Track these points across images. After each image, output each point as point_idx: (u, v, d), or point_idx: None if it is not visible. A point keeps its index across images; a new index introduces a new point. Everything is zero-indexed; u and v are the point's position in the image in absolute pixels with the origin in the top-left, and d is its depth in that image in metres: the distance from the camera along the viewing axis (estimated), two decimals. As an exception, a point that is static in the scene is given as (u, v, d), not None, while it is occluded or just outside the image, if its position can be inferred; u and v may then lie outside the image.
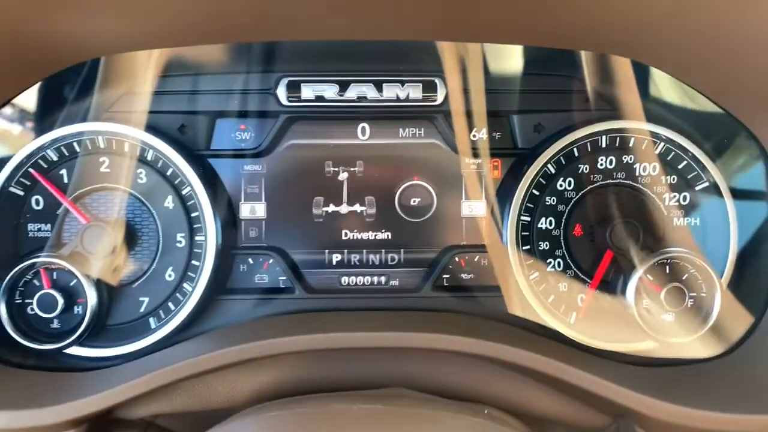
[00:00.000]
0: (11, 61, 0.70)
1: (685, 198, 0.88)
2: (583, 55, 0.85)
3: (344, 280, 0.92)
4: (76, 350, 0.85)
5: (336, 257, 0.92)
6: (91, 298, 0.84)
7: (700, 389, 0.77)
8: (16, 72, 0.72)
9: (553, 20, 0.67)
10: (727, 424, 0.71)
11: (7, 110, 0.83)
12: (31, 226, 0.87)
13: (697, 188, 0.88)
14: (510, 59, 0.88)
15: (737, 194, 0.87)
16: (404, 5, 0.64)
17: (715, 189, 0.88)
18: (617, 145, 0.88)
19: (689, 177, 0.88)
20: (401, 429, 0.60)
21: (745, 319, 0.85)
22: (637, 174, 0.89)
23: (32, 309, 0.86)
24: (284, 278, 0.91)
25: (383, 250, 0.92)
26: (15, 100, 0.82)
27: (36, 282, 0.86)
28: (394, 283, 0.92)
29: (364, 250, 0.92)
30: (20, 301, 0.86)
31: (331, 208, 0.91)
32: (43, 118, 0.86)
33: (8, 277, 0.84)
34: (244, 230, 0.91)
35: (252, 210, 0.91)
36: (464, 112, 0.89)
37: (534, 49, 0.85)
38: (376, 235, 0.92)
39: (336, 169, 0.91)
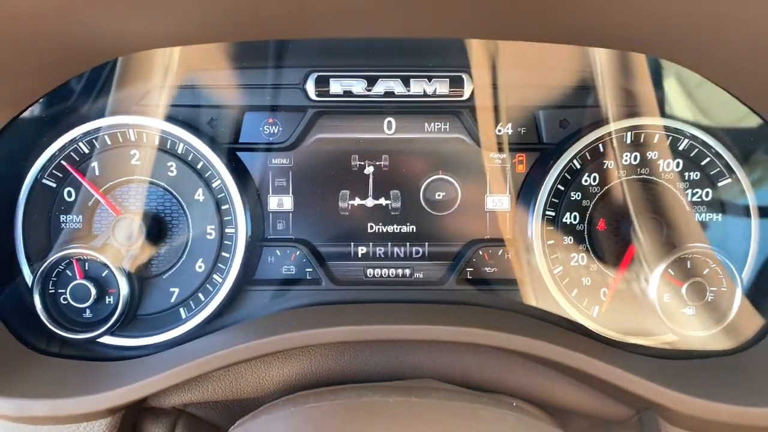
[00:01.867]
0: (48, 59, 0.70)
1: (707, 194, 0.89)
2: (608, 52, 0.85)
3: (369, 272, 0.93)
4: (108, 339, 0.87)
5: (361, 250, 0.93)
6: (123, 288, 0.86)
7: (719, 383, 0.78)
8: (54, 69, 0.73)
9: (582, 19, 0.67)
10: (745, 417, 0.73)
11: (42, 104, 0.84)
12: (63, 218, 0.89)
13: (720, 185, 0.89)
14: (537, 55, 0.89)
15: (760, 192, 0.88)
16: (433, 5, 0.65)
17: (737, 186, 0.89)
18: (642, 141, 0.89)
19: (712, 174, 0.89)
20: (439, 422, 0.61)
21: (759, 316, 0.87)
22: (660, 170, 0.89)
23: (65, 299, 0.87)
24: (310, 270, 0.92)
25: (408, 243, 0.93)
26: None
27: (69, 272, 0.88)
28: (419, 275, 0.93)
29: (389, 243, 0.93)
30: (53, 291, 0.87)
31: (357, 201, 0.93)
32: (75, 111, 0.87)
33: (42, 268, 0.85)
34: (271, 223, 0.92)
35: (279, 203, 0.92)
36: (490, 107, 0.90)
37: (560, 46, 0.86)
38: (401, 229, 0.93)
39: (362, 162, 0.92)
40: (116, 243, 0.86)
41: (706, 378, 0.81)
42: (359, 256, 0.93)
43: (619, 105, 0.88)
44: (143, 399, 0.78)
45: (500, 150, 0.91)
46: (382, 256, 0.93)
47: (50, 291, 0.86)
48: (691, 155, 0.89)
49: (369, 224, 0.93)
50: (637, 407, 0.78)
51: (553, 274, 0.89)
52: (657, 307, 0.86)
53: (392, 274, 0.94)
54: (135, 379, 0.77)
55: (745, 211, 0.89)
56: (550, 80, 0.89)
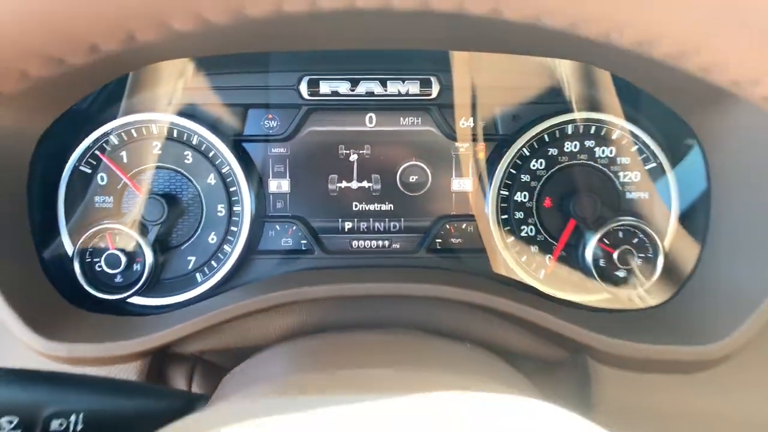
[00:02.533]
0: (92, 71, 0.86)
1: (636, 176, 1.06)
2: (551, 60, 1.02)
3: (354, 243, 1.10)
4: (136, 300, 1.03)
5: (348, 224, 1.10)
6: (149, 257, 1.02)
7: (639, 328, 0.95)
8: (95, 78, 0.89)
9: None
10: (659, 353, 0.90)
11: (81, 104, 1.00)
12: (97, 199, 1.04)
13: (647, 168, 1.06)
14: (494, 62, 1.05)
15: (678, 174, 1.05)
16: (411, 26, 0.81)
17: (660, 169, 1.06)
18: (581, 132, 1.05)
19: (640, 159, 1.06)
20: (419, 351, 0.78)
21: (681, 275, 1.04)
22: (596, 156, 1.05)
23: (100, 266, 1.03)
24: (305, 242, 1.08)
25: (387, 219, 1.09)
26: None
27: (102, 244, 1.04)
28: (396, 246, 1.10)
29: (371, 219, 1.09)
30: (90, 260, 1.04)
31: (344, 184, 1.09)
32: (107, 109, 1.03)
33: (81, 240, 1.02)
34: (272, 202, 1.09)
35: (278, 185, 1.09)
36: (456, 105, 1.07)
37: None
38: (380, 207, 1.09)
39: (348, 151, 1.08)
40: (142, 219, 1.02)
41: (629, 325, 0.97)
42: (346, 230, 1.10)
43: (561, 102, 1.05)
44: (167, 346, 0.95)
45: (464, 140, 1.08)
46: (365, 230, 1.10)
47: (87, 260, 1.03)
48: (623, 143, 1.05)
49: (354, 203, 1.09)
50: (569, 349, 0.95)
51: (506, 243, 1.06)
52: (593, 270, 1.03)
53: (373, 245, 1.10)
54: (161, 329, 0.94)
55: (667, 190, 1.06)
56: (505, 82, 1.05)
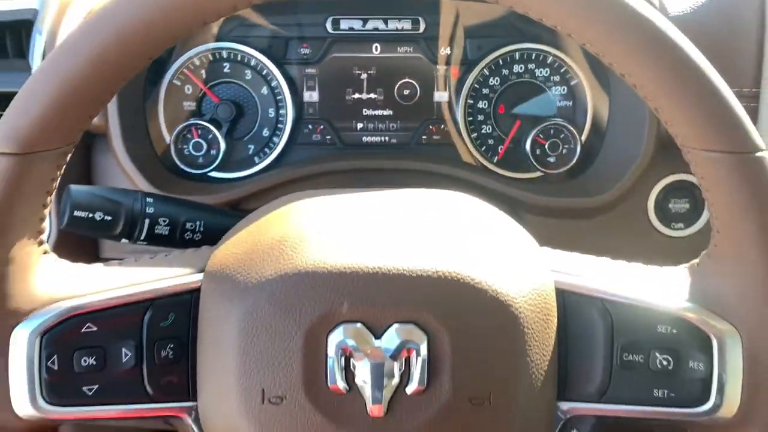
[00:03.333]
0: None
1: (563, 89, 1.48)
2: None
3: (364, 138, 1.46)
4: (214, 174, 1.45)
5: (359, 125, 1.49)
6: (222, 145, 1.42)
7: (559, 189, 1.40)
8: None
9: None
10: (570, 203, 1.33)
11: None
12: (185, 103, 1.47)
13: (571, 84, 1.49)
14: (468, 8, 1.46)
15: (592, 88, 1.48)
16: None
17: (581, 85, 1.48)
18: (525, 58, 1.44)
19: (566, 77, 1.48)
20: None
21: (593, 157, 1.47)
22: (536, 75, 1.45)
23: (188, 151, 1.44)
24: (329, 137, 1.46)
25: (387, 121, 1.47)
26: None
27: (188, 135, 1.48)
28: (393, 141, 1.46)
29: (376, 121, 1.46)
30: (181, 146, 1.48)
31: (356, 95, 1.48)
32: (190, 41, 1.45)
33: (175, 132, 1.45)
34: (305, 108, 1.50)
35: (311, 96, 1.47)
36: (437, 36, 1.49)
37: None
38: (383, 112, 1.49)
39: (360, 71, 1.46)
40: (217, 117, 1.46)
41: (551, 187, 1.41)
42: (359, 128, 1.49)
43: (512, 35, 1.47)
44: (239, 201, 1.40)
45: (442, 64, 1.49)
46: (372, 128, 1.50)
47: (179, 147, 1.47)
48: (555, 66, 1.47)
49: (364, 109, 1.47)
50: (508, 205, 1.40)
51: (471, 138, 1.46)
52: (530, 157, 1.47)
53: (378, 140, 1.50)
54: (232, 189, 1.39)
55: (585, 100, 1.48)
56: (473, 22, 1.45)
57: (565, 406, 0.77)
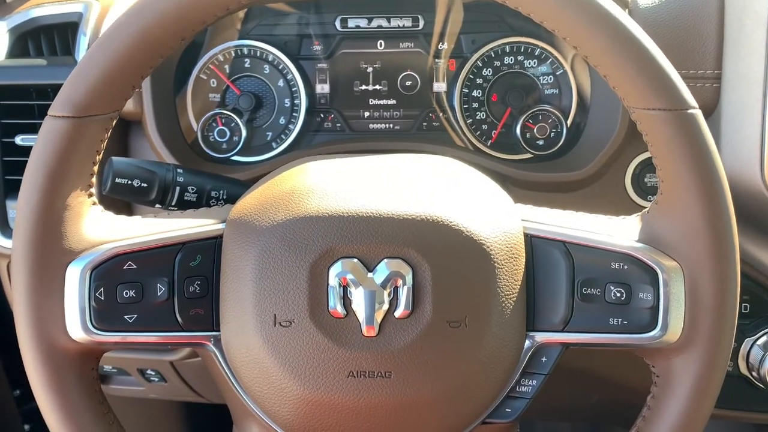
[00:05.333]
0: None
1: (551, 78, 1.63)
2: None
3: (371, 125, 1.59)
4: (237, 158, 1.61)
5: (366, 113, 1.64)
6: (244, 131, 1.59)
7: (544, 166, 1.55)
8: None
9: None
10: (553, 178, 1.47)
11: (202, 34, 1.61)
12: (210, 95, 1.63)
13: (557, 74, 1.63)
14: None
15: (578, 77, 1.62)
16: None
17: (566, 75, 1.63)
18: (515, 50, 1.59)
19: (553, 67, 1.63)
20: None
21: (576, 139, 1.61)
22: (525, 66, 1.59)
23: (213, 137, 1.60)
24: (339, 124, 1.61)
25: (391, 110, 1.60)
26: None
27: (214, 123, 1.65)
28: (397, 128, 1.59)
29: (381, 110, 1.61)
30: (206, 133, 1.64)
31: (363, 87, 1.62)
32: (215, 38, 1.63)
33: (201, 121, 1.61)
34: (317, 99, 1.67)
35: (322, 88, 1.59)
36: (436, 33, 1.64)
37: None
38: (387, 102, 1.62)
39: (366, 65, 1.61)
40: (240, 108, 1.63)
41: (538, 166, 1.56)
42: (365, 117, 1.64)
43: (503, 30, 1.62)
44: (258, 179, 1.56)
45: (440, 58, 1.64)
46: (377, 117, 1.63)
47: (205, 133, 1.64)
48: (542, 58, 1.62)
49: (370, 99, 1.62)
50: (500, 180, 1.54)
51: (467, 124, 1.62)
52: (521, 140, 1.61)
53: (383, 127, 1.63)
54: (253, 167, 1.55)
55: (570, 88, 1.62)
56: (468, 18, 1.61)
57: (534, 336, 0.88)
